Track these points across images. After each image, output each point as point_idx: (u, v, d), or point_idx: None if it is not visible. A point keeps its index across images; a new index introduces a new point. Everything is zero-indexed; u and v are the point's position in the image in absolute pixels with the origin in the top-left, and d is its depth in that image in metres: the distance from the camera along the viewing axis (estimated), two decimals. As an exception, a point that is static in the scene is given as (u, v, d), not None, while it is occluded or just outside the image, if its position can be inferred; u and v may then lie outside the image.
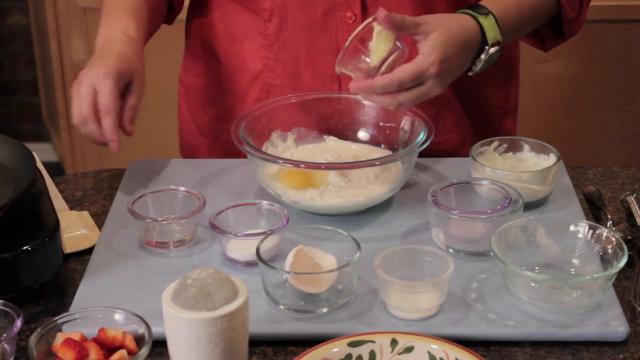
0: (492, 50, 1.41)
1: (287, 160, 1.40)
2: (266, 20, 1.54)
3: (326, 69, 1.54)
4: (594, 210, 1.45)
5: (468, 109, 1.62)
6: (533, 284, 1.21)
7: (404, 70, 1.33)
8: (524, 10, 1.47)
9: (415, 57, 1.35)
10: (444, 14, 1.43)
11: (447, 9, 1.50)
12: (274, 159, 1.39)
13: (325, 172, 1.42)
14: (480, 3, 1.44)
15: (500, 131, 1.67)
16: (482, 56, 1.41)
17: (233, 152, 1.53)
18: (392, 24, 1.33)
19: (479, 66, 1.42)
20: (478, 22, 1.40)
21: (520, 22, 1.48)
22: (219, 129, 1.65)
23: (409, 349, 1.11)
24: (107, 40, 1.46)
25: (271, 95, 1.56)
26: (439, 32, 1.35)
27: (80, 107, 1.38)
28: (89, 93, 1.38)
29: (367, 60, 1.36)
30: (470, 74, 1.43)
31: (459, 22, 1.39)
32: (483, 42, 1.41)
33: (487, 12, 1.41)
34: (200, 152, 1.70)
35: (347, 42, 1.36)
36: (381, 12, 1.32)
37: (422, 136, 1.41)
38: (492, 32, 1.41)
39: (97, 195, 1.51)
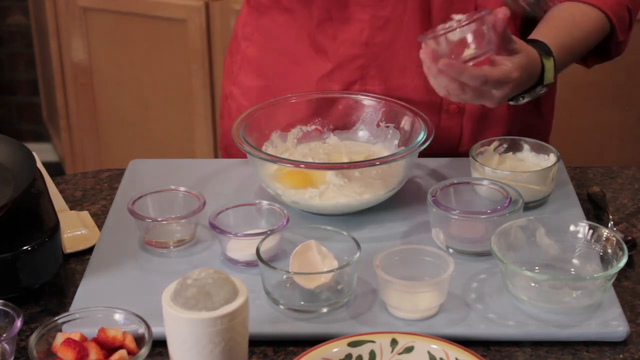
0: (542, 91, 1.43)
1: (287, 160, 1.40)
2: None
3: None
4: (596, 210, 1.45)
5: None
6: (533, 284, 1.21)
7: (493, 73, 1.32)
8: (575, 48, 1.49)
9: (489, 64, 1.34)
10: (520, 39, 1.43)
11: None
12: (274, 159, 1.39)
13: (324, 172, 1.42)
14: (541, 38, 1.44)
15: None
16: (532, 92, 1.43)
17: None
18: (501, 28, 1.32)
19: (524, 100, 1.43)
20: (541, 60, 1.41)
21: (571, 60, 1.50)
22: None
23: (409, 349, 1.11)
24: None
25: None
26: (524, 54, 1.37)
27: None
28: None
29: (454, 39, 1.32)
30: (511, 103, 1.44)
31: (534, 53, 1.40)
32: (538, 81, 1.42)
33: (549, 55, 1.42)
34: None
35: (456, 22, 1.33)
36: (503, 11, 1.32)
37: (422, 136, 1.41)
38: (549, 73, 1.42)
39: (97, 195, 1.51)
